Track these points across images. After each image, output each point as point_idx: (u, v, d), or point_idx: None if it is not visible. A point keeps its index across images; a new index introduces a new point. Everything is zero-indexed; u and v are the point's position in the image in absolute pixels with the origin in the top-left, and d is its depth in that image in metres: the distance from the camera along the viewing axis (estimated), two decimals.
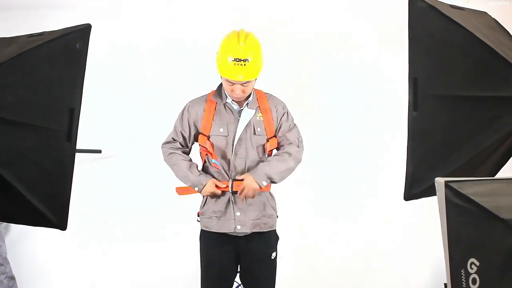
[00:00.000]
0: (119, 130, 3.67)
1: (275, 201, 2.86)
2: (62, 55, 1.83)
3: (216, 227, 2.77)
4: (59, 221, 1.86)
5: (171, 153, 2.82)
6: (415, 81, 1.85)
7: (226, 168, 2.74)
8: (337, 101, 3.64)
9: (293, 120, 2.86)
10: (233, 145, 2.73)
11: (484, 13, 2.09)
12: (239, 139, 2.73)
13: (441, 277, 3.43)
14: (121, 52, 3.64)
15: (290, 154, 2.76)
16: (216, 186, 2.71)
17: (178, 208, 3.53)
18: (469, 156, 1.84)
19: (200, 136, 2.77)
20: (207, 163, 2.79)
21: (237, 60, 2.61)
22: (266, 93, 2.86)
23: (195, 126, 2.80)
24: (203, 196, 2.81)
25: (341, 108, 3.64)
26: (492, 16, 2.09)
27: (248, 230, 2.75)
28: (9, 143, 1.74)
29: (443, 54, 1.85)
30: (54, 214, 1.85)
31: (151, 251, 3.71)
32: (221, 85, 2.79)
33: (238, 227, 2.74)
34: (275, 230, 2.86)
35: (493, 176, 1.93)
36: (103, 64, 3.47)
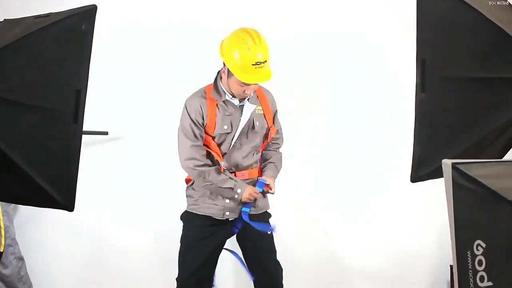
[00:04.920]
0: (126, 112, 3.67)
1: None
2: (68, 37, 1.82)
3: (204, 210, 2.79)
4: (67, 202, 1.87)
5: (202, 172, 2.70)
6: (423, 62, 1.83)
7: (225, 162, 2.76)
8: (343, 95, 3.62)
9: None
10: (232, 139, 2.73)
11: None
12: (240, 133, 2.73)
13: (447, 259, 3.44)
14: (128, 32, 3.62)
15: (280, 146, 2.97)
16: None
17: None
18: (477, 138, 1.83)
19: (204, 136, 2.75)
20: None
21: (258, 63, 2.57)
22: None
23: (203, 123, 2.75)
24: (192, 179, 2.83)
25: (347, 101, 3.63)
26: None
27: (237, 215, 2.78)
28: (16, 125, 1.75)
29: (452, 35, 1.82)
30: (62, 196, 1.86)
31: (159, 233, 3.73)
32: (216, 80, 2.74)
33: (227, 213, 2.77)
34: (267, 211, 2.89)
35: (501, 158, 1.92)
36: (109, 45, 3.45)
